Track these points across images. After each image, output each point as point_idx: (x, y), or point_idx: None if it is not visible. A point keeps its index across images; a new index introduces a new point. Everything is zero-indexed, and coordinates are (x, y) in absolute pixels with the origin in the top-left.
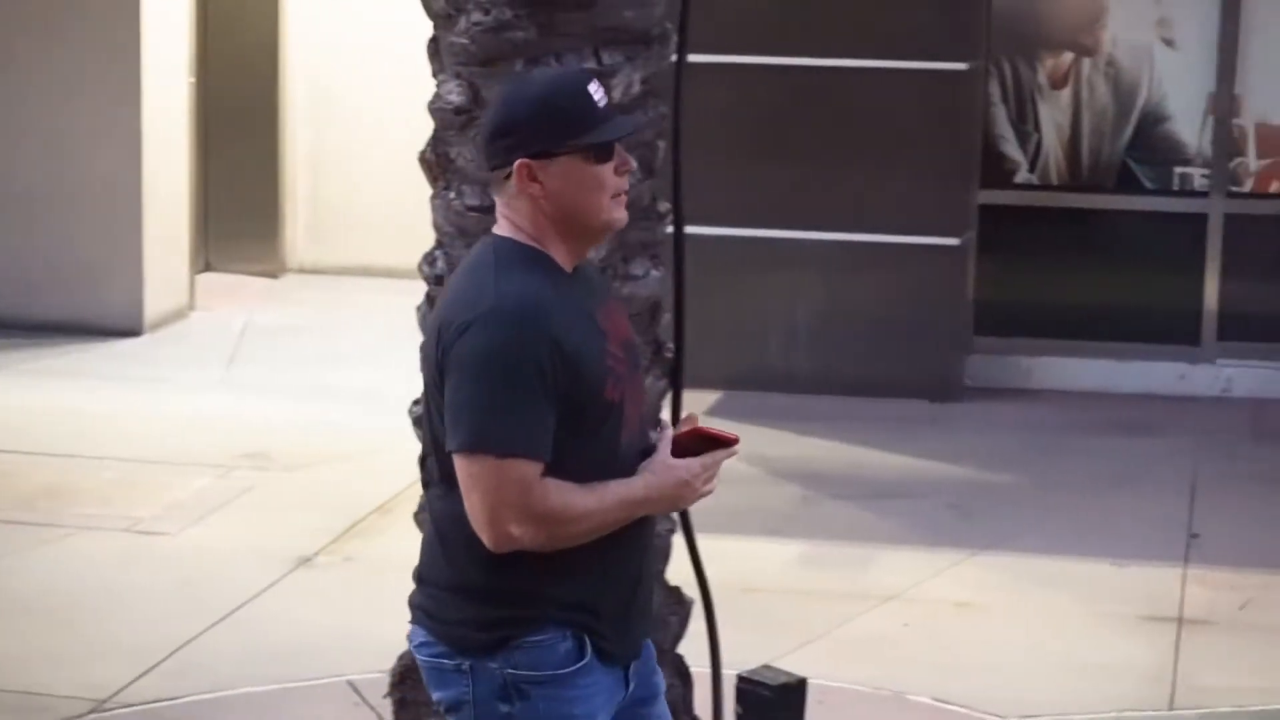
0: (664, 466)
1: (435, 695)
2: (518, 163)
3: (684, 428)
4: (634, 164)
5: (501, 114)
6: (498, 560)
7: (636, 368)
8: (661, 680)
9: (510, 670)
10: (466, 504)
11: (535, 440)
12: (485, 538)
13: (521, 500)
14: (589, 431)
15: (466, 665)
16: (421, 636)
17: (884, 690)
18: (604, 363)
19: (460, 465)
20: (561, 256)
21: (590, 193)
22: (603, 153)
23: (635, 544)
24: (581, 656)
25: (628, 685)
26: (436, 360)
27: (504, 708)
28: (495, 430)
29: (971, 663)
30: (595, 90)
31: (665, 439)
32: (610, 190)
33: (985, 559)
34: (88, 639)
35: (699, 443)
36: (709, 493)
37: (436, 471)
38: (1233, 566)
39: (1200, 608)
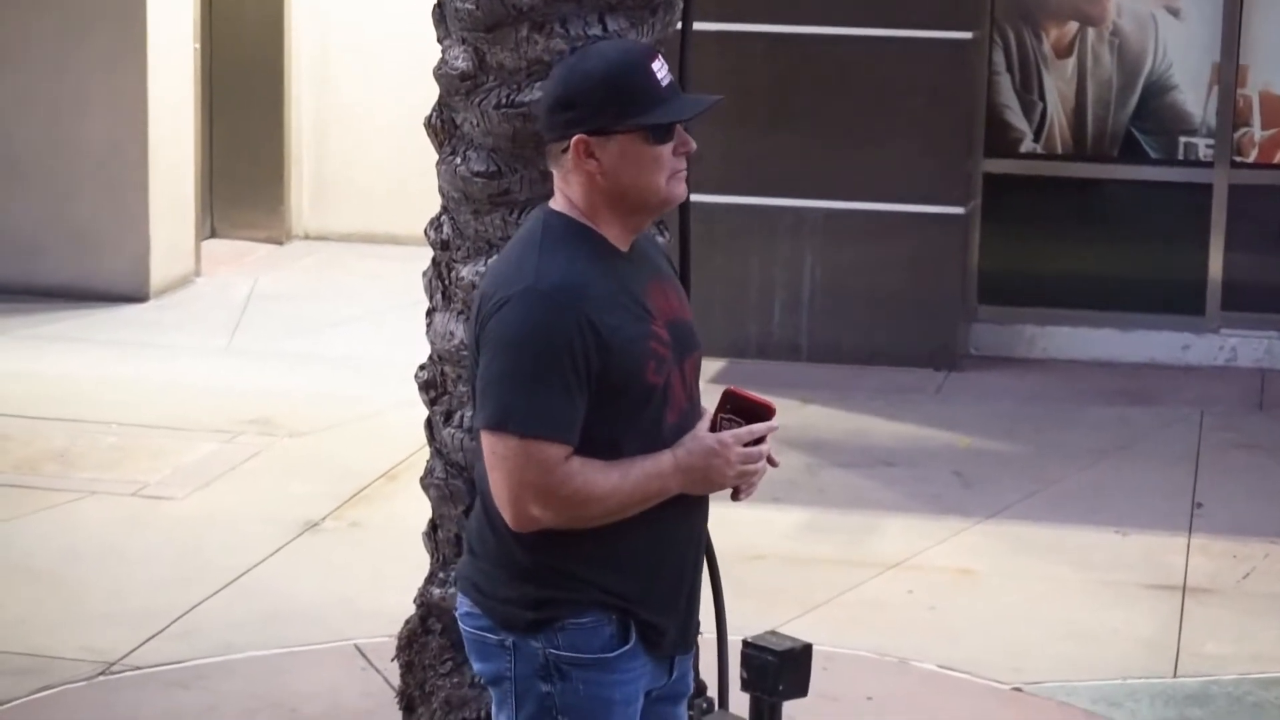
0: (694, 439)
1: (476, 666)
2: (575, 138)
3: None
4: (694, 145)
5: (562, 87)
6: (544, 540)
7: (687, 347)
8: (690, 684)
9: (552, 650)
10: (490, 481)
11: (560, 423)
12: (507, 516)
13: (543, 482)
14: (630, 413)
15: (510, 641)
16: (467, 607)
17: (888, 656)
18: (645, 344)
19: (485, 443)
20: (614, 233)
21: (647, 172)
22: (662, 133)
23: (683, 530)
24: (625, 642)
25: (671, 672)
26: (475, 333)
27: (544, 687)
28: (520, 410)
29: (974, 630)
30: (659, 68)
31: (706, 414)
32: (668, 170)
33: (988, 527)
34: (94, 603)
35: (737, 411)
36: (751, 472)
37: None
38: (1236, 536)
39: (1204, 577)
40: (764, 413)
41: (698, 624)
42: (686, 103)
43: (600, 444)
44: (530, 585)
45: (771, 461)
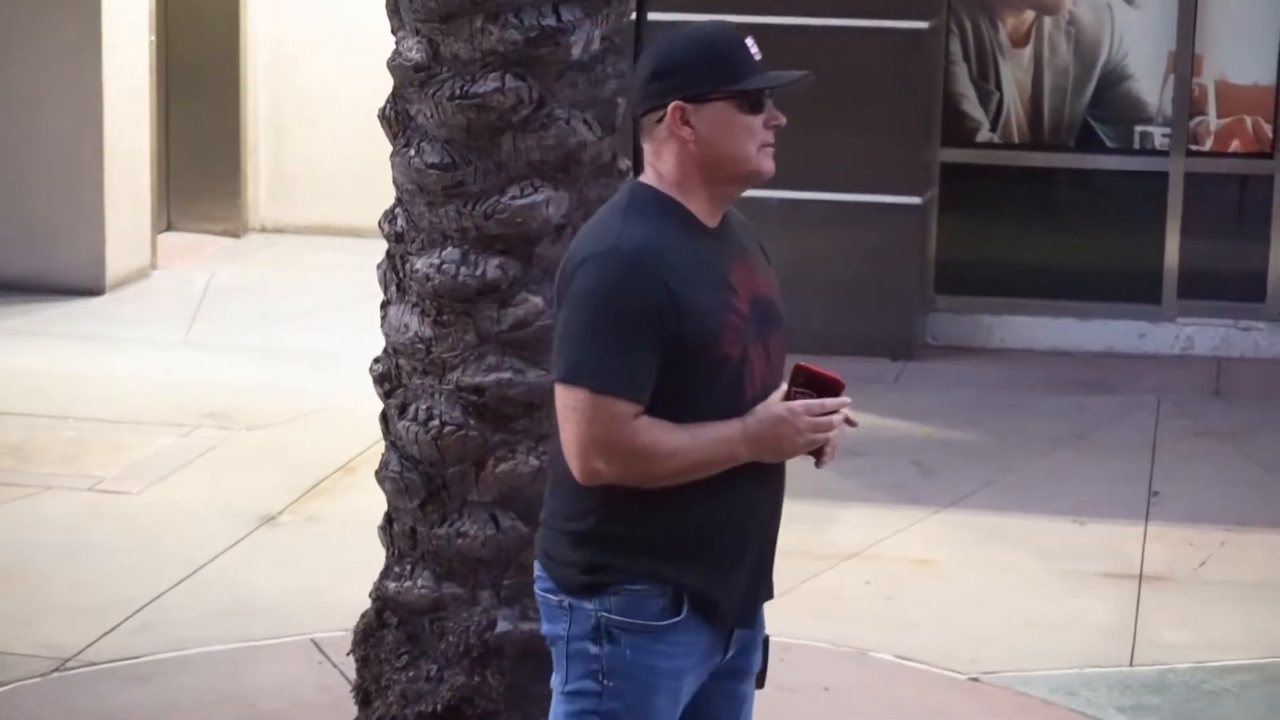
0: (764, 407)
1: (543, 628)
2: (673, 104)
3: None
4: (783, 120)
5: (661, 56)
6: (603, 506)
7: (770, 328)
8: (757, 662)
9: (604, 614)
10: (561, 434)
11: (632, 380)
12: (574, 468)
13: (611, 437)
14: (706, 382)
15: (567, 603)
16: (538, 570)
17: (845, 647)
18: (723, 315)
19: (558, 395)
20: (701, 208)
21: (740, 140)
22: (756, 103)
23: (751, 501)
24: (676, 613)
25: (727, 650)
26: (558, 290)
27: (593, 649)
28: (593, 365)
29: (932, 620)
30: (752, 45)
31: (779, 390)
32: (759, 140)
33: (946, 517)
34: (50, 598)
35: (809, 385)
36: (821, 441)
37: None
38: (1192, 524)
39: (1160, 565)
40: (834, 387)
41: (767, 597)
42: (780, 74)
43: (674, 408)
44: (587, 550)
45: (850, 422)
